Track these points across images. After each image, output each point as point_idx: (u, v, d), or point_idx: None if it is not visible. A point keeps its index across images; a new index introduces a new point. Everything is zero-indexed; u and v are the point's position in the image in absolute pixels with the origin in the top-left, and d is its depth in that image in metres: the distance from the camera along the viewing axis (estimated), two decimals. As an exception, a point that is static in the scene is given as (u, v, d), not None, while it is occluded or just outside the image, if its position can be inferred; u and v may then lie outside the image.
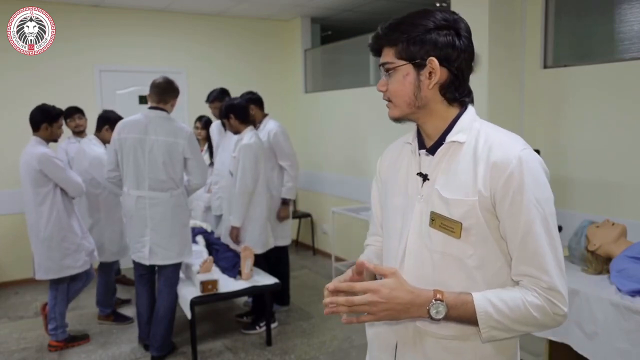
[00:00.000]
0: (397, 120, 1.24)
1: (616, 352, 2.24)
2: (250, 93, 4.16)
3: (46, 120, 3.48)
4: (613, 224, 2.66)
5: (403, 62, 1.18)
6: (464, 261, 1.16)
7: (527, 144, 1.18)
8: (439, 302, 1.10)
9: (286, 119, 5.76)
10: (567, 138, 3.39)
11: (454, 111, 1.23)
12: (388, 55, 1.19)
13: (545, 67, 3.51)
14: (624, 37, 3.14)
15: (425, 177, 1.23)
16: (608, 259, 2.58)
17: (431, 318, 1.11)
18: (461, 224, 1.15)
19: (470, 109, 1.25)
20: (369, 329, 1.36)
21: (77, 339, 3.74)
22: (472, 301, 1.11)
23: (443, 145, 1.21)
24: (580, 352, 2.42)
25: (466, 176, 1.16)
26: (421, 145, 1.27)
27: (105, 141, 4.00)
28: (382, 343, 1.31)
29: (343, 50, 5.80)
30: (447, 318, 1.11)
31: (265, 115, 4.23)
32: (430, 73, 1.17)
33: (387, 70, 1.20)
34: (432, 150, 1.24)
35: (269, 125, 4.14)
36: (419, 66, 1.17)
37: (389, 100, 1.22)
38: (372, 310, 1.09)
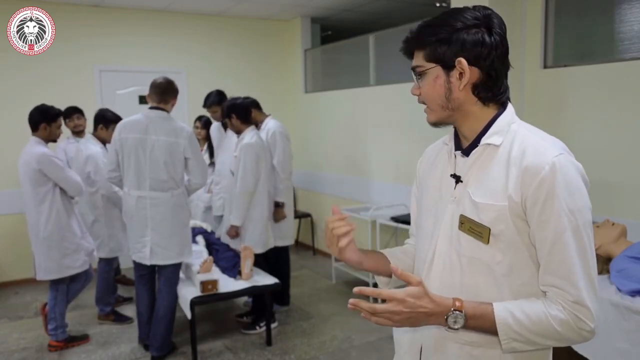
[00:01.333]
0: (436, 124, 1.22)
1: (616, 352, 2.24)
2: (246, 98, 4.17)
3: (45, 120, 3.48)
4: (613, 224, 2.67)
5: (432, 65, 1.16)
6: (492, 267, 1.13)
7: (568, 149, 1.14)
8: (457, 312, 1.08)
9: (286, 119, 5.76)
10: (567, 138, 3.35)
11: (491, 112, 1.19)
12: (418, 58, 1.18)
13: (545, 67, 3.51)
14: (624, 37, 3.14)
15: (458, 179, 1.21)
16: (608, 259, 2.58)
17: (449, 327, 1.09)
18: (489, 229, 1.12)
19: (509, 110, 1.20)
20: (396, 329, 1.34)
21: (77, 339, 3.75)
22: (492, 312, 1.08)
23: (477, 147, 1.18)
24: (580, 352, 2.42)
25: (498, 180, 1.13)
26: (457, 147, 1.25)
27: (101, 140, 4.01)
28: (408, 345, 1.30)
29: (343, 50, 5.80)
30: (466, 327, 1.09)
31: (267, 116, 4.23)
32: (460, 74, 1.14)
33: (419, 74, 1.19)
34: (467, 152, 1.21)
35: (269, 125, 4.14)
36: (448, 67, 1.14)
37: (425, 104, 1.21)
38: (393, 317, 1.07)
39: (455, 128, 1.25)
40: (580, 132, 3.32)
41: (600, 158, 3.20)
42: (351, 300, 1.08)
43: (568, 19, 3.48)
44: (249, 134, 3.76)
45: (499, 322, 1.07)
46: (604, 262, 2.61)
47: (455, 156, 1.24)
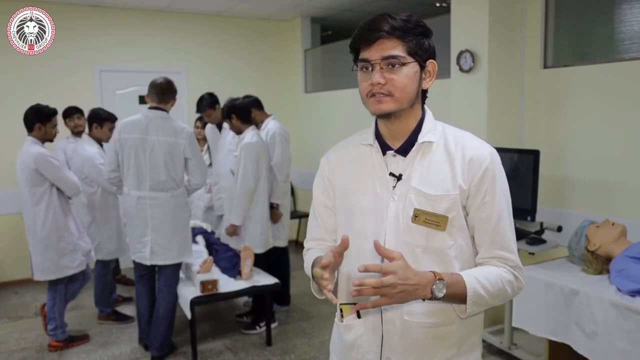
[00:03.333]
0: (389, 115, 1.24)
1: (616, 352, 2.24)
2: (248, 96, 4.17)
3: (39, 120, 3.47)
4: (613, 224, 2.67)
5: (412, 59, 1.22)
6: (445, 252, 1.25)
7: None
8: (440, 281, 1.16)
9: (286, 119, 5.76)
10: (567, 138, 3.39)
11: (421, 112, 1.32)
12: (397, 48, 1.20)
13: (545, 67, 3.51)
14: (624, 37, 3.14)
15: (399, 177, 1.27)
16: (608, 259, 2.58)
17: (433, 297, 1.16)
18: (447, 217, 1.24)
19: (429, 111, 1.34)
20: (346, 333, 1.35)
21: (77, 339, 3.75)
22: (462, 279, 1.20)
23: (415, 146, 1.28)
24: (580, 352, 2.42)
25: (444, 173, 1.25)
26: (383, 146, 1.32)
27: (96, 139, 4.00)
28: (365, 345, 1.32)
29: (343, 50, 5.78)
30: (445, 296, 1.17)
31: (267, 116, 4.23)
32: (428, 73, 1.27)
33: (393, 65, 1.20)
34: (402, 151, 1.29)
35: (269, 126, 4.14)
36: (421, 66, 1.25)
37: (387, 94, 1.22)
38: (390, 292, 1.10)
39: (377, 127, 1.33)
40: (580, 132, 3.31)
41: (600, 158, 3.20)
42: (355, 282, 1.10)
43: (568, 19, 3.48)
44: (250, 134, 3.77)
45: (469, 287, 1.19)
46: (604, 262, 2.61)
47: (385, 155, 1.31)
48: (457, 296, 1.19)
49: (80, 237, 3.65)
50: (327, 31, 7.03)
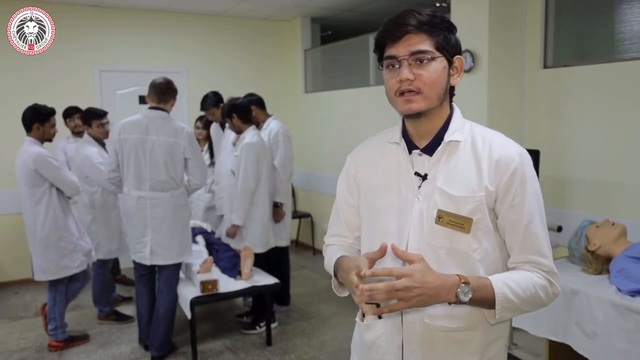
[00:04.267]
0: (419, 114, 1.20)
1: (616, 352, 2.24)
2: (251, 94, 4.18)
3: (37, 120, 3.46)
4: (613, 224, 2.66)
5: (440, 54, 1.19)
6: (469, 255, 1.21)
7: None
8: (465, 284, 1.12)
9: (286, 119, 5.75)
10: (567, 138, 3.39)
11: (449, 110, 1.28)
12: (424, 43, 1.17)
13: (545, 67, 3.51)
14: (624, 37, 3.14)
15: (424, 177, 1.24)
16: (608, 259, 2.58)
17: (458, 301, 1.12)
18: (472, 219, 1.19)
19: (458, 109, 1.30)
20: (366, 333, 1.34)
21: (77, 339, 3.74)
22: (491, 284, 1.15)
23: (441, 145, 1.24)
24: (580, 352, 2.42)
25: (470, 173, 1.21)
26: (410, 145, 1.28)
27: (95, 138, 3.99)
28: (385, 345, 1.30)
29: (343, 50, 5.80)
30: (471, 300, 1.13)
31: (269, 116, 4.23)
32: (456, 70, 1.23)
33: (421, 60, 1.17)
34: (428, 150, 1.25)
35: (272, 125, 4.14)
36: (449, 62, 1.21)
37: (417, 91, 1.18)
38: (406, 296, 1.07)
39: (404, 125, 1.30)
40: (580, 132, 3.32)
41: (600, 158, 3.20)
42: (364, 287, 1.07)
43: (568, 19, 3.48)
44: (250, 134, 3.77)
45: (497, 292, 1.15)
46: (604, 262, 2.61)
47: (410, 154, 1.28)
48: (484, 301, 1.15)
49: (80, 237, 3.64)
50: (327, 31, 7.03)
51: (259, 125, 4.11)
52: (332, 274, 1.32)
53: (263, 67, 6.35)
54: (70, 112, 4.52)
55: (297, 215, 6.09)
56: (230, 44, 6.14)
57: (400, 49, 1.18)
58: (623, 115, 3.08)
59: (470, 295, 1.12)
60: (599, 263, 2.63)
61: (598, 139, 3.21)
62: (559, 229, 3.22)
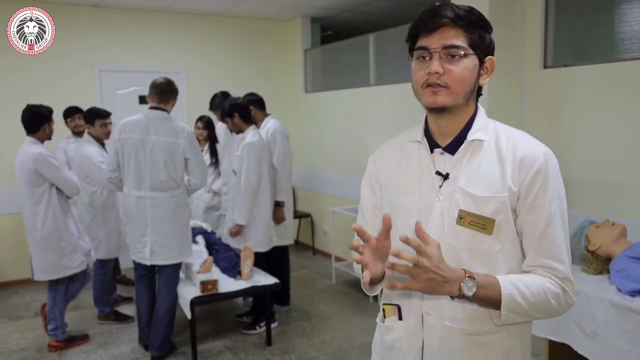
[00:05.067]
0: (443, 109, 1.18)
1: (616, 352, 2.24)
2: (251, 94, 4.18)
3: (45, 120, 3.48)
4: (613, 224, 2.67)
5: (472, 52, 1.17)
6: (492, 257, 1.18)
7: None
8: (470, 279, 1.11)
9: (286, 119, 5.76)
10: (567, 138, 3.39)
11: (473, 109, 1.26)
12: (459, 38, 1.15)
13: (545, 67, 3.51)
14: (624, 37, 3.14)
15: (446, 176, 1.22)
16: (608, 259, 2.58)
17: (462, 295, 1.12)
18: (494, 220, 1.17)
19: (482, 108, 1.28)
20: (387, 334, 1.32)
21: (77, 339, 3.74)
22: (498, 283, 1.14)
23: (464, 144, 1.22)
24: (580, 352, 2.42)
25: (493, 173, 1.18)
26: (432, 144, 1.26)
27: (95, 138, 4.00)
28: (405, 347, 1.29)
29: (343, 50, 5.80)
30: (475, 296, 1.12)
31: (267, 115, 4.23)
32: (487, 69, 1.22)
33: (453, 55, 1.15)
34: (450, 149, 1.23)
35: (269, 124, 4.15)
36: (481, 60, 1.20)
37: (444, 86, 1.15)
38: (420, 276, 1.08)
39: (426, 123, 1.28)
40: (580, 132, 3.32)
41: (600, 158, 3.20)
42: (393, 250, 1.08)
43: (568, 19, 3.48)
44: (251, 133, 3.78)
45: (504, 292, 1.13)
46: (604, 262, 2.61)
47: (433, 153, 1.26)
48: (490, 300, 1.14)
49: (80, 237, 3.65)
50: (327, 31, 7.02)
51: (257, 125, 4.12)
52: (362, 274, 1.29)
53: (263, 67, 6.35)
54: (70, 112, 4.52)
55: (297, 215, 6.08)
56: (230, 44, 6.14)
57: (433, 41, 1.15)
58: (623, 115, 3.08)
59: (474, 291, 1.11)
60: (599, 263, 2.63)
61: (598, 139, 3.21)
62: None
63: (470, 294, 1.11)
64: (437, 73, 1.14)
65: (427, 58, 1.16)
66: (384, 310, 1.33)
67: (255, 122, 4.06)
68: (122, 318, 4.13)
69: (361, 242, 1.16)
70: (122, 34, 5.54)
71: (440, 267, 1.08)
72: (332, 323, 4.07)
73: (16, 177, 3.50)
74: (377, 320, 1.38)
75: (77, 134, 4.52)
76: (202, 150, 4.59)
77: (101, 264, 4.07)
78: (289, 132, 4.24)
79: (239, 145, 3.84)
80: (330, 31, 7.04)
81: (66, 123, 4.53)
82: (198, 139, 4.13)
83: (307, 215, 6.18)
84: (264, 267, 3.92)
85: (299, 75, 6.33)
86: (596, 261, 2.64)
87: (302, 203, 6.36)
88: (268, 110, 4.31)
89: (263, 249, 3.87)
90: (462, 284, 1.11)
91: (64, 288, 3.63)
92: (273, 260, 4.10)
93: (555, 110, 3.45)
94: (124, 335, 3.89)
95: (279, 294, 4.14)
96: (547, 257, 1.17)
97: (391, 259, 1.09)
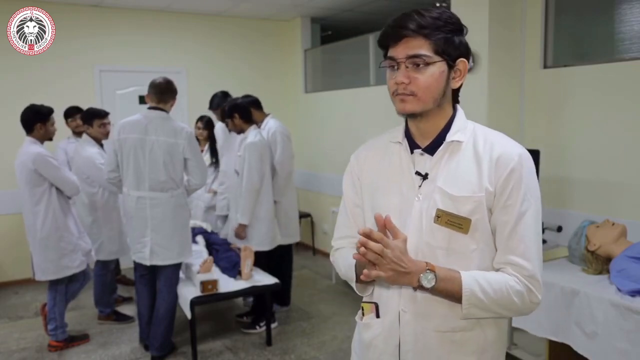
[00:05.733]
0: (414, 115, 1.22)
1: (616, 352, 2.24)
2: (247, 96, 4.18)
3: (40, 119, 3.47)
4: (613, 224, 2.66)
5: (439, 58, 1.19)
6: (467, 255, 1.21)
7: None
8: (430, 271, 1.16)
9: (286, 119, 5.76)
10: (567, 138, 3.39)
11: (451, 111, 1.29)
12: (422, 47, 1.17)
13: (545, 67, 3.51)
14: (624, 37, 3.14)
15: (425, 177, 1.25)
16: (608, 259, 2.58)
17: (421, 287, 1.16)
18: (470, 220, 1.20)
19: (461, 109, 1.30)
20: (364, 332, 1.35)
21: (77, 339, 3.75)
22: (460, 278, 1.17)
23: (442, 145, 1.25)
24: (580, 352, 2.42)
25: (470, 174, 1.21)
26: (412, 145, 1.29)
27: (94, 138, 4.00)
28: (382, 345, 1.31)
29: (343, 50, 5.80)
30: (436, 289, 1.17)
31: (266, 115, 4.23)
32: (458, 73, 1.24)
33: (417, 64, 1.18)
34: (430, 150, 1.26)
35: (270, 124, 4.15)
36: (450, 65, 1.21)
37: (411, 94, 1.19)
38: (383, 264, 1.13)
39: (407, 125, 1.31)
40: (580, 132, 3.32)
41: (600, 158, 3.20)
42: (361, 240, 1.12)
43: (568, 19, 3.48)
44: (252, 133, 3.79)
45: (465, 288, 1.16)
46: (604, 262, 2.61)
47: (412, 153, 1.29)
48: (450, 293, 1.17)
49: (80, 237, 3.65)
50: (327, 31, 7.02)
51: (258, 125, 4.12)
52: (353, 275, 1.33)
53: (263, 67, 6.35)
54: (71, 112, 4.52)
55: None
56: (230, 44, 6.14)
57: (398, 52, 1.19)
58: (623, 115, 3.08)
59: (433, 283, 1.15)
60: (599, 263, 2.63)
61: (598, 139, 3.21)
62: (559, 229, 3.22)
63: (428, 285, 1.15)
64: (403, 83, 1.19)
65: (395, 67, 1.20)
66: (362, 309, 1.37)
67: (256, 123, 4.06)
68: (122, 318, 4.13)
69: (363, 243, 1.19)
70: (122, 34, 5.54)
71: (402, 259, 1.14)
72: (332, 323, 4.07)
73: (16, 177, 3.50)
74: (356, 318, 1.42)
75: (78, 134, 4.52)
76: (203, 151, 4.59)
77: (102, 264, 4.07)
78: (290, 132, 4.24)
79: (240, 145, 3.84)
80: (330, 31, 7.04)
81: (67, 123, 4.54)
82: (198, 139, 4.13)
83: (307, 215, 6.18)
84: (265, 266, 3.92)
85: (299, 75, 6.33)
86: (596, 261, 2.64)
87: (302, 203, 6.36)
88: (268, 110, 4.31)
89: (266, 247, 3.88)
90: (421, 276, 1.15)
91: (64, 288, 3.63)
92: (276, 258, 4.10)
93: (555, 110, 3.45)
94: (124, 335, 3.90)
95: (279, 295, 4.14)
96: (514, 254, 1.19)
97: (362, 250, 1.13)
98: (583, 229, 2.76)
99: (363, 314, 1.36)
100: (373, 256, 1.12)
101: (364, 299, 1.38)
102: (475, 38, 3.46)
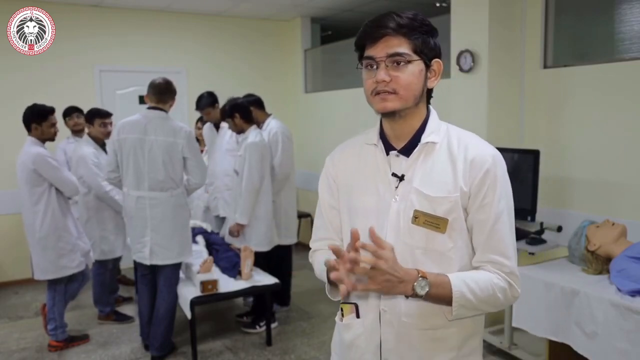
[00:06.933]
0: (394, 113, 1.23)
1: (616, 352, 2.24)
2: (250, 95, 4.18)
3: (34, 119, 3.45)
4: (613, 224, 2.67)
5: (417, 57, 1.22)
6: (445, 254, 1.24)
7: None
8: (423, 279, 1.16)
9: (286, 119, 5.75)
10: (567, 138, 3.39)
11: (425, 112, 1.31)
12: (402, 46, 1.20)
13: (545, 67, 3.51)
14: (624, 37, 3.14)
15: (401, 178, 1.27)
16: (608, 259, 2.58)
17: (415, 294, 1.16)
18: (447, 219, 1.22)
19: (434, 111, 1.33)
20: (345, 333, 1.36)
21: (77, 339, 3.75)
22: (449, 281, 1.19)
23: (418, 146, 1.27)
24: (580, 352, 2.42)
25: (445, 174, 1.24)
26: (387, 147, 1.31)
27: (94, 138, 4.00)
28: (363, 345, 1.33)
29: (343, 50, 5.80)
30: (428, 295, 1.17)
31: (268, 115, 4.23)
32: (434, 72, 1.26)
33: (398, 62, 1.20)
34: (405, 151, 1.28)
35: (272, 125, 4.14)
36: (426, 64, 1.24)
37: (392, 92, 1.21)
38: (377, 277, 1.11)
39: (381, 127, 1.33)
40: (580, 132, 3.31)
41: (600, 158, 3.20)
42: (351, 256, 1.09)
43: (568, 19, 3.48)
44: (253, 133, 3.79)
45: (455, 290, 1.18)
46: (604, 262, 2.61)
47: (388, 156, 1.30)
48: (442, 297, 1.19)
49: (79, 238, 3.64)
50: (327, 31, 7.03)
51: (259, 126, 4.12)
52: (325, 278, 1.32)
53: (263, 67, 6.35)
54: (69, 111, 4.52)
55: (297, 215, 6.08)
56: (230, 44, 6.14)
57: (378, 51, 1.21)
58: (623, 115, 3.07)
59: (427, 289, 1.16)
60: (599, 263, 2.63)
61: (598, 139, 3.21)
62: (559, 229, 3.22)
63: (422, 293, 1.16)
64: (384, 81, 1.20)
65: (374, 67, 1.22)
66: (342, 309, 1.38)
67: (257, 123, 4.06)
68: (122, 318, 4.13)
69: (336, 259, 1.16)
70: (122, 34, 5.54)
71: (395, 269, 1.13)
72: (332, 323, 4.04)
73: (17, 177, 3.50)
74: (336, 319, 1.43)
75: (77, 132, 4.52)
76: (203, 151, 4.59)
77: (99, 264, 4.06)
78: (291, 133, 4.24)
79: (241, 145, 3.84)
80: (330, 31, 7.05)
81: (65, 122, 4.54)
82: (198, 139, 4.13)
83: (307, 215, 6.18)
84: (264, 267, 3.92)
85: (299, 75, 6.33)
86: (596, 261, 2.64)
87: (302, 203, 6.36)
88: (268, 110, 4.31)
89: (264, 248, 3.87)
90: (415, 284, 1.15)
91: (63, 288, 3.64)
92: (275, 259, 4.10)
93: (555, 110, 3.45)
94: (124, 335, 3.90)
95: (279, 294, 4.14)
96: (494, 253, 1.23)
97: (349, 265, 1.09)
98: (583, 229, 2.76)
99: (343, 315, 1.38)
100: (364, 270, 1.10)
101: (342, 300, 1.38)
102: (475, 38, 3.47)
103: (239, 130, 3.86)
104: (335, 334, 1.48)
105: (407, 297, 1.20)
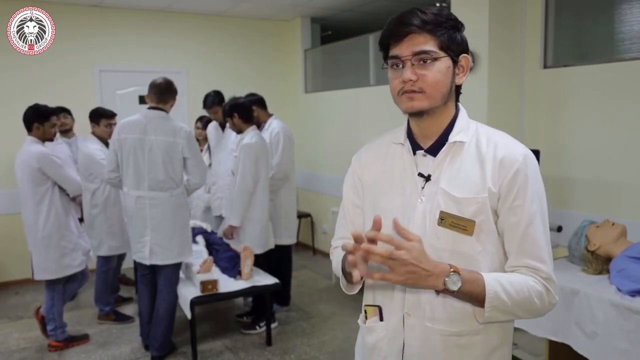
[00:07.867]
0: (421, 113, 1.19)
1: (616, 352, 2.24)
2: (252, 94, 4.17)
3: (37, 119, 3.48)
4: (613, 224, 2.66)
5: (444, 54, 1.18)
6: (473, 257, 1.19)
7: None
8: (455, 273, 1.11)
9: (286, 119, 5.75)
10: (567, 138, 3.39)
11: (454, 110, 1.27)
12: (428, 43, 1.16)
13: (545, 67, 3.51)
14: (624, 37, 3.14)
15: (427, 178, 1.23)
16: (608, 259, 2.58)
17: (446, 289, 1.11)
18: (475, 221, 1.17)
19: (464, 109, 1.29)
20: (368, 336, 1.33)
21: (76, 339, 3.75)
22: (483, 279, 1.13)
23: (445, 146, 1.23)
24: (580, 352, 2.42)
25: (474, 175, 1.19)
26: (414, 146, 1.27)
27: (99, 137, 4.02)
28: (386, 348, 1.29)
29: (343, 50, 5.80)
30: (460, 291, 1.12)
31: (270, 116, 4.23)
32: (462, 69, 1.23)
33: (425, 60, 1.16)
34: (432, 151, 1.24)
35: (273, 125, 4.14)
36: (454, 61, 1.20)
37: (419, 91, 1.17)
38: (399, 268, 1.07)
39: (408, 126, 1.29)
40: (580, 132, 3.32)
41: (600, 158, 3.20)
42: (363, 246, 1.06)
43: (568, 19, 3.48)
44: (250, 134, 3.76)
45: (488, 289, 1.12)
46: (604, 262, 2.61)
47: (415, 155, 1.26)
48: (474, 295, 1.13)
49: (80, 236, 3.66)
50: (327, 31, 7.03)
51: (260, 126, 4.11)
52: (340, 272, 1.30)
53: (263, 67, 6.35)
54: (57, 111, 4.53)
55: (297, 215, 6.08)
56: (230, 44, 6.14)
57: (403, 49, 1.17)
58: (623, 115, 3.08)
59: (459, 285, 1.11)
60: (599, 263, 2.63)
61: (598, 139, 3.21)
62: (559, 229, 3.22)
63: (455, 288, 1.11)
64: (410, 80, 1.16)
65: (400, 66, 1.18)
66: (365, 312, 1.34)
67: (259, 123, 4.05)
68: (122, 318, 4.13)
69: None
70: (122, 34, 5.54)
71: (421, 260, 1.08)
72: (332, 323, 4.07)
73: (16, 177, 3.50)
74: (359, 321, 1.39)
75: (64, 133, 4.53)
76: (202, 150, 4.59)
77: (104, 260, 4.07)
78: (292, 134, 4.23)
79: (237, 146, 3.82)
80: (330, 31, 7.05)
81: None
82: (198, 139, 4.13)
83: (307, 215, 6.18)
84: (263, 267, 3.92)
85: (299, 75, 6.33)
86: (596, 261, 2.64)
87: (302, 203, 6.36)
88: (269, 111, 4.30)
89: (258, 250, 3.84)
90: (446, 279, 1.10)
91: (62, 288, 3.64)
92: (276, 259, 4.10)
93: (555, 110, 3.45)
94: (124, 335, 3.90)
95: (279, 294, 4.14)
96: (529, 257, 1.17)
97: (363, 248, 1.06)
98: (583, 229, 2.76)
99: (366, 317, 1.34)
100: (380, 259, 1.05)
101: (366, 303, 1.35)
102: (475, 38, 3.46)
103: (238, 130, 3.85)
104: (359, 337, 1.43)
105: (437, 293, 1.15)
